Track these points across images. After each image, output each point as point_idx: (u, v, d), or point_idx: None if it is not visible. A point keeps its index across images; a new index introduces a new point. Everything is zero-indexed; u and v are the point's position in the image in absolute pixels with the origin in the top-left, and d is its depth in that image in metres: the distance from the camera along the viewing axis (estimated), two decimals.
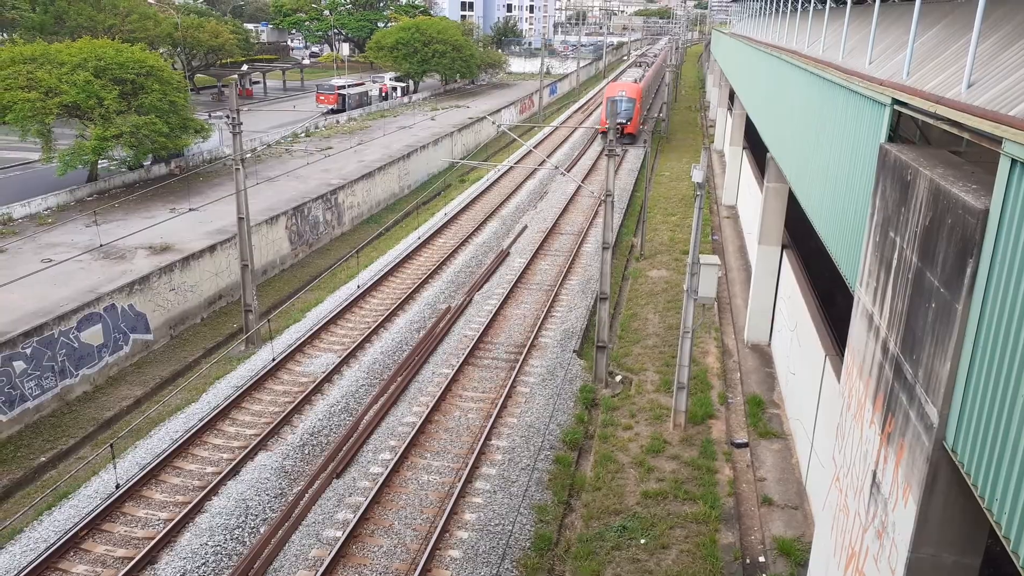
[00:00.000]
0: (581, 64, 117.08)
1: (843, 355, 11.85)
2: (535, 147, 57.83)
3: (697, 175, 19.00)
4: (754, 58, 29.55)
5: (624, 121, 56.02)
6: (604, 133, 53.78)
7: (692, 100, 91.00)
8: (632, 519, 16.76)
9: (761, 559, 15.72)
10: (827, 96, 14.41)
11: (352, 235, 40.71)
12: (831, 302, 19.83)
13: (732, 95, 44.36)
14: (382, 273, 31.01)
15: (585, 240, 36.18)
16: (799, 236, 24.27)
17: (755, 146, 35.80)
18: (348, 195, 41.67)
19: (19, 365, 22.04)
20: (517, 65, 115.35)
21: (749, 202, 34.76)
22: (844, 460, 11.20)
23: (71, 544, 15.84)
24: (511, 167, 49.33)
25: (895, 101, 10.19)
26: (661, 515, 16.88)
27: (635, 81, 64.88)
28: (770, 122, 23.64)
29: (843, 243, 12.58)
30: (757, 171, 32.74)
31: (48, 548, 15.67)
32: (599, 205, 39.80)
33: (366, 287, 29.44)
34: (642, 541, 16.10)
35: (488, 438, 19.74)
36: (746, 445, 19.61)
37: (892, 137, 10.59)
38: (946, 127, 8.46)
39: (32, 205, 34.38)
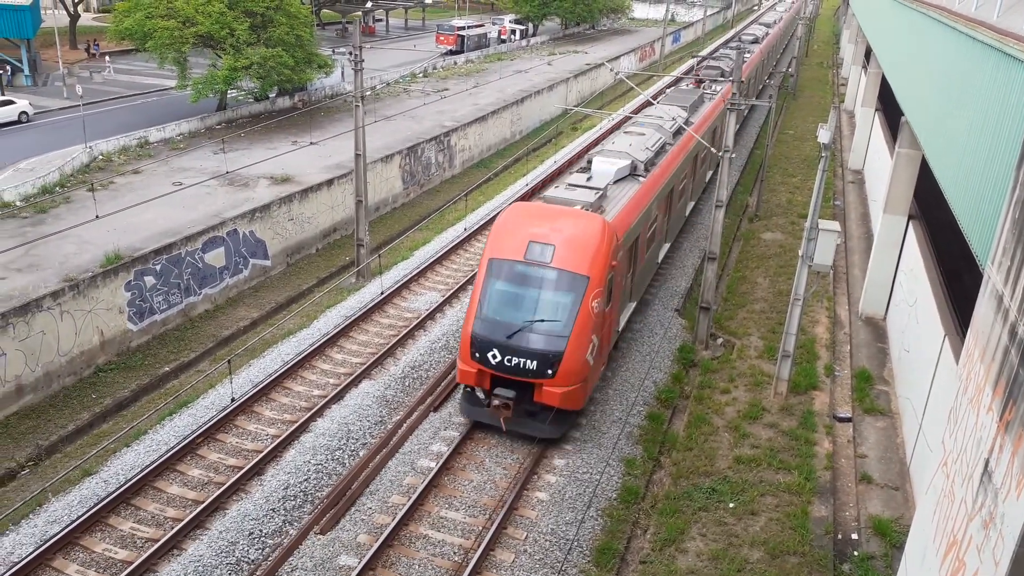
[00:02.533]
0: (708, 12, 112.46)
1: (964, 336, 11.20)
2: (653, 97, 56.28)
3: (823, 135, 18.08)
4: (895, 12, 27.58)
5: (538, 367, 16.26)
6: (467, 390, 17.83)
7: (824, 56, 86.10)
8: (722, 482, 16.61)
9: (854, 536, 15.32)
10: (975, 57, 13.33)
11: (462, 178, 41.12)
12: (956, 280, 18.67)
13: (868, 52, 41.68)
14: (488, 217, 31.26)
15: (699, 197, 35.20)
16: (928, 207, 22.84)
17: (889, 108, 33.66)
18: (460, 138, 41.99)
19: (149, 280, 23.66)
20: (641, 11, 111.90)
21: (877, 168, 32.89)
22: (955, 445, 10.68)
23: (188, 449, 17.10)
24: (626, 116, 48.32)
25: None
26: (752, 481, 16.64)
27: (598, 197, 18.91)
28: (908, 82, 22.13)
29: (977, 217, 11.76)
30: (889, 135, 30.86)
31: (168, 451, 16.99)
32: (717, 162, 38.54)
33: (472, 230, 29.79)
34: (731, 505, 15.96)
35: None
36: (849, 420, 18.96)
37: None
38: None
39: (166, 130, 36.36)
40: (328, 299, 25.01)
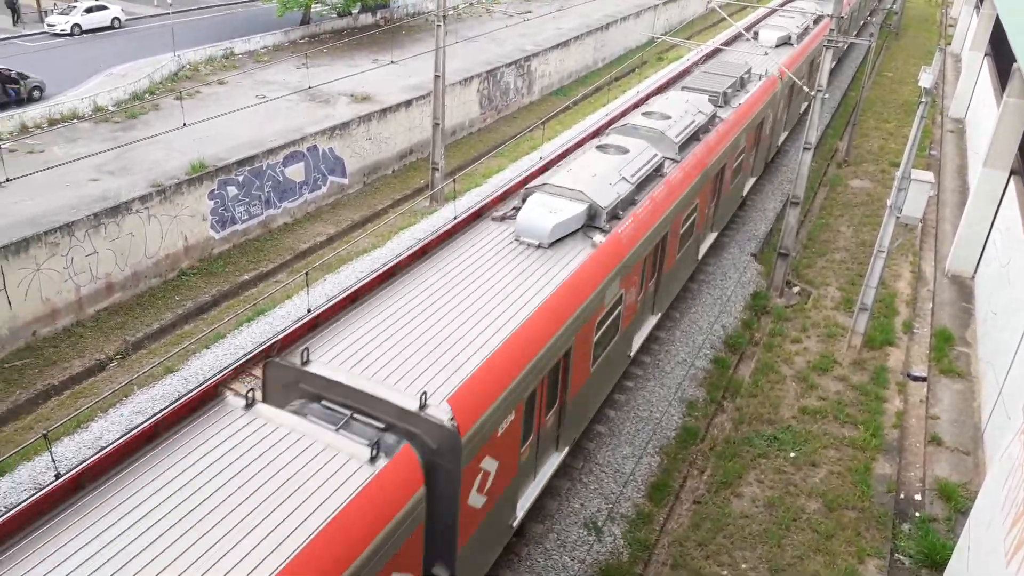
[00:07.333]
0: None
1: None
2: (746, 28, 53.85)
3: (925, 79, 17.03)
4: None
5: None
6: None
7: None
8: (784, 431, 16.46)
9: (917, 497, 15.07)
10: None
11: (540, 105, 40.47)
12: None
13: None
14: (565, 147, 30.78)
15: (787, 138, 33.93)
16: None
17: (1000, 53, 31.45)
18: (541, 63, 41.14)
19: (232, 190, 24.28)
20: None
21: (980, 117, 31.00)
22: None
23: (263, 355, 17.77)
24: (716, 48, 46.46)
25: None
26: (816, 433, 16.45)
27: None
28: None
29: None
30: (997, 82, 28.93)
31: (244, 356, 17.70)
32: (808, 103, 36.88)
33: (548, 160, 29.41)
34: (791, 454, 15.84)
35: None
36: (924, 379, 18.43)
37: None
38: None
39: (251, 42, 36.68)
40: (402, 221, 25.28)
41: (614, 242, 14.13)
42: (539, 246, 13.49)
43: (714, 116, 20.35)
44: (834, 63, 42.78)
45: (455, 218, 14.75)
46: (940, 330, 20.19)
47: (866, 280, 18.77)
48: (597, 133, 20.18)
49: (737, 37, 29.93)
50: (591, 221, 14.34)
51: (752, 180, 25.57)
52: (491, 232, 14.29)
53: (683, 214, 17.62)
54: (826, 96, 20.34)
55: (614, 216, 14.68)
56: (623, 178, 15.43)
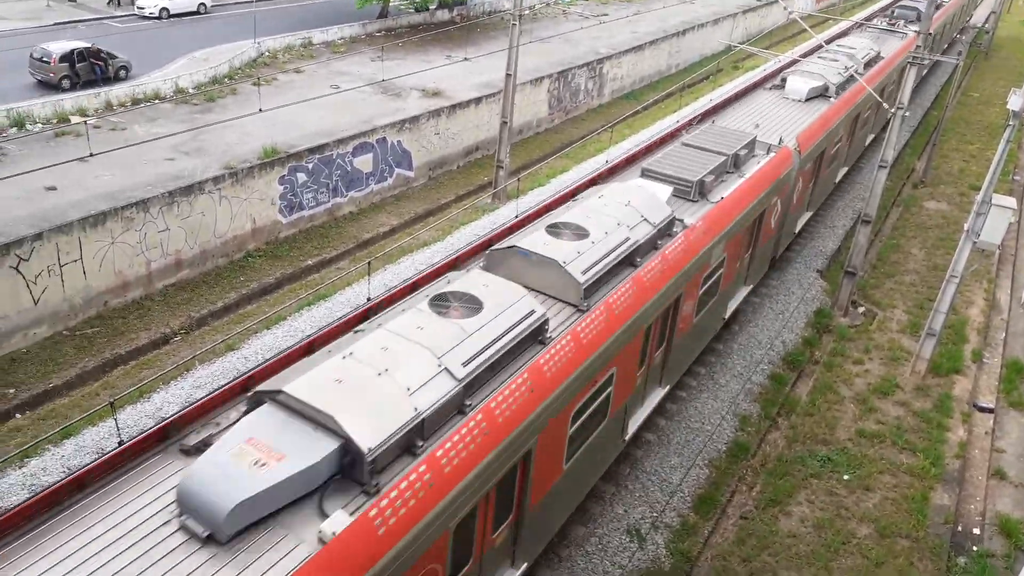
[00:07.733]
0: None
1: None
2: (827, 41, 52.53)
3: (1014, 102, 16.35)
4: None
5: None
6: None
7: None
8: (840, 453, 16.04)
9: (976, 531, 14.50)
10: None
11: (609, 108, 40.24)
12: None
13: None
14: (631, 152, 30.56)
15: (862, 155, 33.00)
16: None
17: None
18: (613, 66, 40.92)
19: (301, 177, 24.81)
20: None
21: None
22: None
23: (322, 339, 18.12)
24: (795, 59, 45.47)
25: None
26: (872, 457, 15.98)
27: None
28: None
29: None
30: None
31: (304, 339, 18.09)
32: (888, 119, 35.80)
33: (613, 163, 29.25)
34: (845, 477, 15.43)
35: None
36: (991, 411, 17.72)
37: None
38: None
39: (329, 33, 37.42)
40: (464, 216, 25.46)
41: (365, 530, 7.20)
42: (209, 538, 6.90)
43: (671, 222, 13.94)
44: (917, 81, 41.46)
45: (119, 443, 7.76)
46: (1012, 361, 19.39)
47: (936, 305, 18.15)
48: (474, 253, 13.65)
49: (758, 84, 25.02)
50: (348, 472, 7.67)
51: (744, 291, 19.17)
52: (155, 487, 7.54)
53: (574, 406, 10.74)
54: (906, 114, 19.71)
55: (406, 449, 8.08)
56: (444, 369, 8.63)
